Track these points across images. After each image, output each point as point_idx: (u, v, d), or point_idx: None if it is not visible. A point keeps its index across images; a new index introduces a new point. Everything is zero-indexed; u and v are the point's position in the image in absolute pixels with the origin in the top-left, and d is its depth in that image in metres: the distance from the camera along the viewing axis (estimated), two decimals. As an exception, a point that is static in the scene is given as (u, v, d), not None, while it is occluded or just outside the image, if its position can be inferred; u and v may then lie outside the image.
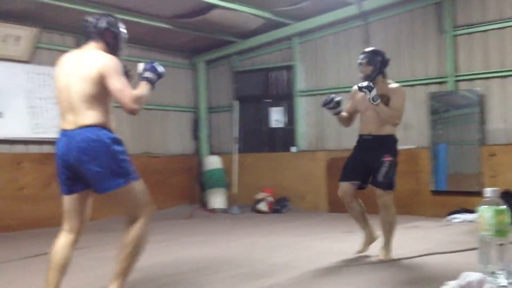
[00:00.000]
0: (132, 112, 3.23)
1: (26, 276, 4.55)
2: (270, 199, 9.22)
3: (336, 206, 7.57)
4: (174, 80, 9.75)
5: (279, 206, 9.16)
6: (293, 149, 9.52)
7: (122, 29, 3.52)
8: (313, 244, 5.42)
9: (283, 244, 5.86)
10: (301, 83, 9.49)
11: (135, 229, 3.31)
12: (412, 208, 8.11)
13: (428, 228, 6.76)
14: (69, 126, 3.28)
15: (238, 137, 10.00)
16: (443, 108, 8.03)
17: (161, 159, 9.45)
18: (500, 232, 2.68)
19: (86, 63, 3.28)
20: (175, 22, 8.56)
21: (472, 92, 7.77)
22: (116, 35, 3.47)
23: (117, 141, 3.28)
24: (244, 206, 9.50)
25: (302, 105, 9.45)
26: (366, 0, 8.37)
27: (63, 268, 3.29)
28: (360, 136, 4.86)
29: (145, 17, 8.20)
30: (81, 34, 8.48)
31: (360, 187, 4.83)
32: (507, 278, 2.70)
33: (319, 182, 8.99)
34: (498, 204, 2.71)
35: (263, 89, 9.92)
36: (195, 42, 9.55)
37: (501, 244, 2.69)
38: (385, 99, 4.63)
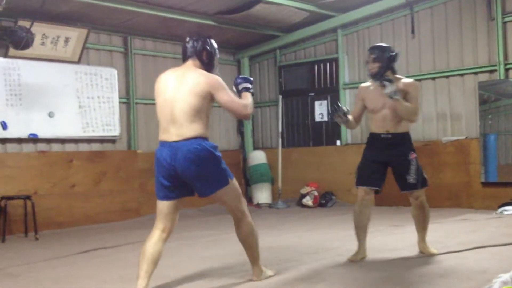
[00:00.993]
0: (245, 117, 3.76)
1: (75, 272, 4.68)
2: (315, 193, 9.18)
3: (382, 200, 7.45)
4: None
5: (324, 200, 9.11)
6: (338, 142, 9.45)
7: (216, 49, 3.88)
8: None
9: (330, 238, 5.84)
10: (346, 75, 9.40)
11: (245, 224, 3.81)
12: (462, 200, 7.94)
13: (479, 220, 6.60)
14: (172, 138, 3.60)
15: (282, 132, 9.99)
16: (493, 97, 7.80)
17: (207, 155, 9.54)
18: (554, 223, 2.60)
19: (193, 80, 3.63)
20: (219, 18, 8.61)
21: (524, 80, 7.53)
22: (211, 54, 3.82)
23: (216, 148, 3.70)
24: (289, 201, 9.49)
25: (347, 98, 9.35)
26: (411, -11, 8.22)
27: (156, 261, 3.61)
28: (376, 134, 4.62)
29: (190, 14, 8.28)
30: (127, 34, 8.71)
31: (376, 192, 4.66)
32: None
33: (366, 175, 8.87)
34: (552, 195, 2.62)
35: (307, 82, 9.86)
36: (239, 37, 9.59)
37: (555, 236, 2.60)
38: (402, 94, 4.47)
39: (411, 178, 4.51)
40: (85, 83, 8.13)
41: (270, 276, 4.02)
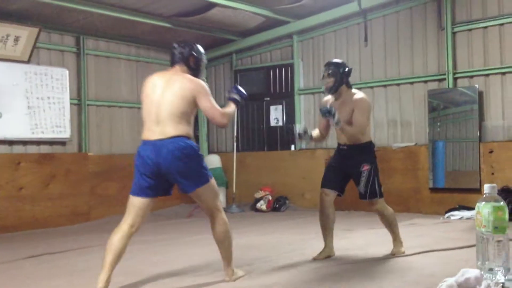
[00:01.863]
0: (222, 125, 3.93)
1: (21, 277, 4.54)
2: (269, 197, 9.22)
3: (335, 205, 7.53)
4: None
5: (278, 205, 9.16)
6: (293, 147, 9.52)
7: (203, 56, 4.07)
8: (313, 242, 5.42)
9: (283, 242, 5.86)
10: (301, 81, 9.49)
11: (221, 224, 3.93)
12: (410, 205, 8.11)
13: (426, 225, 6.76)
14: (156, 136, 3.73)
15: (237, 136, 10.00)
16: (442, 106, 8.03)
17: (160, 158, 9.44)
18: (498, 228, 2.68)
19: (180, 84, 3.80)
20: (175, 20, 8.55)
21: (471, 89, 7.76)
22: (198, 60, 4.01)
23: (199, 147, 3.86)
24: (243, 205, 9.49)
25: (302, 103, 9.44)
26: (365, -2, 8.37)
27: (121, 255, 3.69)
28: (338, 144, 4.90)
29: (145, 16, 8.19)
30: (80, 34, 8.54)
31: (338, 195, 4.92)
32: (505, 275, 2.70)
33: (318, 180, 8.73)
34: (496, 201, 2.70)
35: (263, 87, 9.91)
36: (195, 40, 9.32)
37: (499, 241, 2.68)
38: (348, 109, 4.67)
39: (361, 189, 4.73)
40: (34, 83, 7.92)
41: (241, 276, 4.11)
